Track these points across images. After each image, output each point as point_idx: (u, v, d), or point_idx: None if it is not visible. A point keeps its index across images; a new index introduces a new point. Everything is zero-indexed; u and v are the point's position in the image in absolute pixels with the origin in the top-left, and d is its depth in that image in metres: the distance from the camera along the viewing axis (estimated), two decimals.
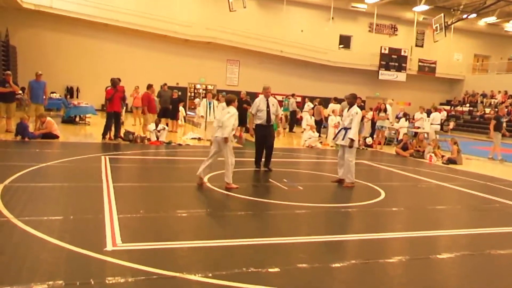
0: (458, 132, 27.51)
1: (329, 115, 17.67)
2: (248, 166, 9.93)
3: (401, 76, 31.46)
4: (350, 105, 8.70)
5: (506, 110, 27.99)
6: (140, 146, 12.39)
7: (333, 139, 13.67)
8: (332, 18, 29.96)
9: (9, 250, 4.16)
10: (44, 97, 13.48)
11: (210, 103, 14.85)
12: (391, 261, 4.63)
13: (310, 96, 23.96)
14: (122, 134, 13.14)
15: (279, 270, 4.08)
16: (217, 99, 15.32)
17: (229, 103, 7.87)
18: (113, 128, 12.94)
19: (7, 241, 4.39)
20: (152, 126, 13.26)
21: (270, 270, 4.06)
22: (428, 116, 18.22)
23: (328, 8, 29.66)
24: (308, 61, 29.19)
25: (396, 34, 32.46)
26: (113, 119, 12.78)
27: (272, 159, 9.72)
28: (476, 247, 5.37)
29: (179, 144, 13.34)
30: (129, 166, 9.82)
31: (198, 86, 29.79)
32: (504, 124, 16.10)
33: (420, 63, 32.53)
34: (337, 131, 9.71)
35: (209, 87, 28.86)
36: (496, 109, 28.89)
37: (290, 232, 5.46)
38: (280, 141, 11.57)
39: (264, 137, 9.46)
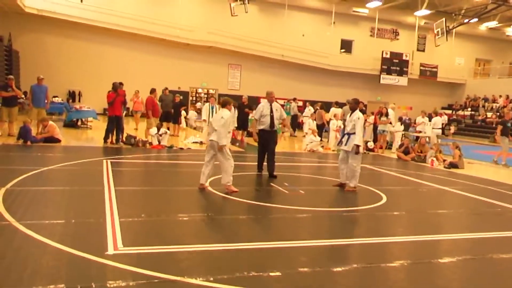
0: (459, 136, 27.47)
1: (330, 119, 17.67)
2: (249, 170, 9.93)
3: (402, 81, 31.46)
4: (352, 110, 8.70)
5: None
6: (141, 150, 12.40)
7: (338, 144, 13.70)
8: (334, 22, 30.01)
9: (10, 253, 4.17)
10: (46, 101, 13.52)
11: (212, 107, 14.89)
12: (392, 265, 4.62)
13: (311, 100, 23.95)
14: (124, 138, 13.16)
15: (280, 274, 4.08)
16: (219, 103, 15.36)
17: (224, 105, 7.87)
18: (115, 132, 12.96)
19: (8, 245, 4.40)
20: (153, 130, 13.28)
21: (271, 274, 4.06)
22: (430, 121, 18.22)
23: (329, 13, 29.72)
24: (309, 66, 29.23)
25: (397, 39, 32.48)
26: (115, 123, 12.80)
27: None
28: (478, 251, 5.36)
29: (181, 148, 13.35)
30: (131, 170, 9.83)
31: (199, 90, 29.82)
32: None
33: (421, 68, 32.54)
34: (340, 136, 9.71)
35: (211, 91, 28.90)
36: (498, 113, 28.99)
37: (292, 236, 5.45)
38: (281, 145, 11.59)
39: (266, 142, 9.39)
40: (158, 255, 4.40)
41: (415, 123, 19.11)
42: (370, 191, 8.64)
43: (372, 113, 18.02)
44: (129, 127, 17.08)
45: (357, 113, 8.55)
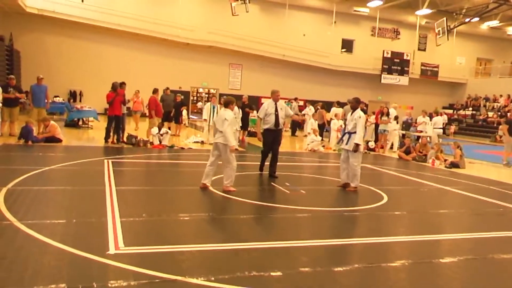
0: (460, 136, 27.47)
1: (331, 119, 17.67)
2: (250, 170, 9.93)
3: (403, 80, 31.43)
4: (353, 109, 8.69)
5: (510, 114, 27.95)
6: (142, 150, 12.41)
7: (338, 143, 13.68)
8: (335, 22, 29.99)
9: (12, 253, 4.17)
10: (46, 101, 13.52)
11: (214, 107, 14.90)
12: (393, 265, 4.62)
13: (312, 100, 23.93)
14: (125, 138, 13.18)
15: (281, 274, 4.08)
16: (220, 103, 15.36)
17: (226, 105, 7.79)
18: (115, 132, 12.98)
19: (10, 245, 4.40)
20: (155, 130, 13.29)
21: (272, 274, 4.06)
22: (430, 120, 18.20)
23: (330, 12, 29.71)
24: (310, 65, 29.22)
25: (398, 38, 32.45)
26: (114, 122, 12.82)
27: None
28: (479, 251, 5.35)
29: (182, 148, 13.35)
30: (132, 169, 9.84)
31: (200, 90, 29.85)
32: None
33: (422, 67, 32.50)
34: (340, 135, 9.69)
35: (212, 91, 28.91)
36: (499, 113, 28.95)
37: (293, 236, 5.45)
38: (282, 145, 11.51)
39: (272, 142, 9.30)
40: (159, 254, 4.41)
41: (416, 122, 19.10)
42: (371, 190, 8.63)
43: (373, 113, 18.01)
44: (130, 127, 17.09)
45: (358, 112, 8.55)
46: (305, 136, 19.63)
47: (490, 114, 29.85)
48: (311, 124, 17.17)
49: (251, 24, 27.63)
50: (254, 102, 23.81)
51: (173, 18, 26.10)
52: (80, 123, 17.61)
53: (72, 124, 17.19)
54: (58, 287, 3.48)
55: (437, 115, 18.92)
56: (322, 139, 16.41)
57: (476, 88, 33.68)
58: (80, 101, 24.74)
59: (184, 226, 5.55)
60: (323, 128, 18.45)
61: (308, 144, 15.50)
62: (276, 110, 9.21)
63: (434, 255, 5.10)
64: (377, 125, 16.98)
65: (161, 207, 6.42)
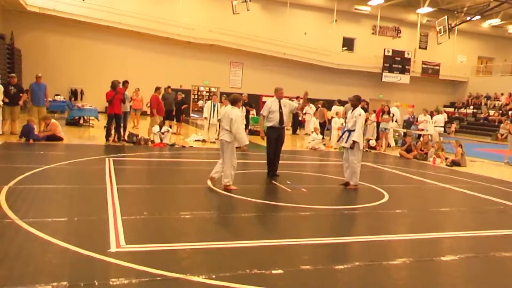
0: (462, 134, 27.45)
1: (332, 117, 17.66)
2: (251, 168, 9.94)
3: (404, 78, 31.40)
4: (354, 107, 8.69)
5: (511, 112, 27.93)
6: (143, 148, 12.42)
7: (338, 141, 13.65)
8: (336, 20, 29.99)
9: (13, 251, 4.18)
10: (45, 99, 13.50)
11: (214, 105, 14.89)
12: (395, 263, 4.62)
13: (313, 99, 23.85)
14: (126, 136, 13.19)
15: (282, 272, 4.09)
16: (221, 102, 15.35)
17: (233, 103, 7.64)
18: (115, 130, 12.99)
19: (11, 243, 4.41)
20: (156, 128, 13.30)
21: (273, 271, 4.07)
22: (431, 118, 18.19)
23: (331, 11, 29.69)
24: (311, 64, 29.20)
25: (399, 36, 32.43)
26: (115, 121, 12.82)
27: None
28: (480, 249, 5.35)
29: (183, 146, 13.36)
30: (133, 168, 9.85)
31: (201, 89, 29.85)
32: None
33: (423, 65, 32.48)
34: (341, 133, 9.67)
35: (213, 89, 28.89)
36: (500, 111, 28.91)
37: (294, 234, 5.45)
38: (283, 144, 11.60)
39: (276, 140, 9.20)
40: (161, 252, 4.41)
41: (417, 121, 19.09)
42: (372, 189, 8.63)
43: (374, 111, 18.00)
44: (130, 125, 17.09)
45: (358, 109, 8.54)
46: (306, 134, 19.62)
47: (491, 112, 29.81)
48: (313, 122, 17.15)
49: (252, 23, 27.62)
50: (255, 101, 23.82)
51: (174, 17, 26.12)
52: (81, 121, 17.62)
53: (73, 122, 17.21)
54: (60, 285, 3.49)
55: (438, 114, 18.89)
56: (323, 138, 16.41)
57: (477, 87, 33.64)
58: (81, 99, 24.77)
59: (186, 224, 5.56)
60: (324, 127, 18.44)
61: (309, 143, 15.50)
62: (280, 107, 9.12)
63: (435, 253, 5.10)
64: (378, 124, 16.96)
65: (162, 205, 6.43)
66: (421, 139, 15.21)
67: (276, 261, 4.37)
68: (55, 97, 20.40)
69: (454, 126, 28.99)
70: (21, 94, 13.16)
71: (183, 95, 18.10)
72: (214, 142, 14.64)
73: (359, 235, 5.68)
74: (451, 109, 32.89)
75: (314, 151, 14.75)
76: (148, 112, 14.84)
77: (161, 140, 13.11)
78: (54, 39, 24.66)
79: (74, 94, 25.33)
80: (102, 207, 5.81)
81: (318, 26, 30.10)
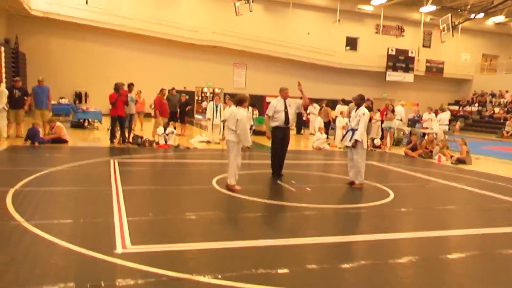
0: (467, 132, 27.33)
1: (336, 116, 17.65)
2: (255, 169, 9.94)
3: (408, 77, 31.33)
4: (358, 106, 8.68)
5: None
6: (148, 150, 12.44)
7: (341, 140, 13.62)
8: (339, 20, 29.97)
9: (20, 253, 4.20)
10: (48, 102, 13.52)
11: (217, 106, 14.91)
12: (400, 261, 4.61)
13: (317, 98, 23.83)
14: (130, 138, 13.23)
15: (288, 271, 4.09)
16: (225, 102, 15.36)
17: (239, 103, 7.61)
18: (120, 132, 13.02)
19: (18, 245, 4.44)
20: (160, 130, 13.33)
21: (279, 271, 4.07)
22: (436, 117, 18.12)
23: (334, 11, 29.67)
24: (315, 64, 29.19)
25: (403, 35, 32.36)
26: (119, 123, 12.86)
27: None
28: (486, 247, 5.33)
29: (187, 148, 13.38)
30: (138, 169, 9.87)
31: (205, 90, 29.91)
32: None
33: (427, 64, 32.40)
34: (344, 132, 9.65)
35: (216, 90, 28.94)
36: (505, 108, 28.76)
37: (299, 233, 5.45)
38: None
39: (282, 140, 9.19)
40: (166, 253, 4.42)
41: (421, 119, 19.03)
42: (377, 187, 8.61)
43: (379, 110, 17.96)
44: (138, 127, 17.15)
45: (362, 108, 8.54)
46: (311, 134, 19.61)
47: (497, 110, 29.69)
48: (318, 122, 17.13)
49: (255, 24, 27.66)
50: (259, 101, 23.84)
51: (177, 19, 26.19)
52: (86, 124, 17.69)
53: (78, 125, 17.28)
54: (67, 286, 3.51)
55: (442, 112, 18.82)
56: (327, 137, 16.39)
57: (482, 84, 33.51)
58: (86, 102, 24.87)
59: (191, 225, 5.56)
60: (328, 126, 18.43)
61: (314, 142, 15.49)
62: (286, 107, 9.11)
63: (441, 251, 5.08)
64: (382, 122, 16.93)
65: (167, 206, 6.44)
66: (426, 137, 15.16)
67: (281, 261, 4.37)
68: (60, 100, 20.51)
69: (458, 124, 28.84)
70: (25, 98, 13.21)
71: (187, 97, 18.14)
72: (218, 143, 14.66)
73: (364, 234, 5.66)
74: (456, 107, 32.77)
75: (318, 151, 14.74)
76: (152, 114, 14.87)
77: (166, 142, 13.14)
78: (58, 42, 24.78)
79: (78, 97, 25.45)
80: (107, 209, 5.83)
81: (321, 26, 30.09)
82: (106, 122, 16.54)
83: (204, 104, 30.24)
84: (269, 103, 10.51)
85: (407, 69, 31.19)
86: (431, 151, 13.98)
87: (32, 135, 11.76)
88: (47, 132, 12.68)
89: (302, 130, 21.51)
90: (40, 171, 8.10)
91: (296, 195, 7.61)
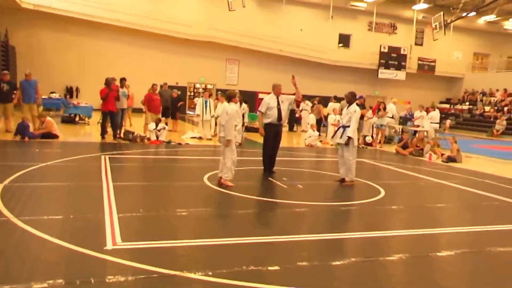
0: (458, 131, 27.51)
1: (328, 113, 17.67)
2: (247, 165, 9.93)
3: (400, 75, 31.47)
4: (349, 103, 8.70)
5: (507, 108, 28.03)
6: (139, 145, 12.39)
7: (332, 137, 13.65)
8: (332, 17, 29.97)
9: (9, 249, 4.17)
10: (36, 96, 13.35)
11: (206, 102, 14.86)
12: (391, 259, 4.64)
13: (310, 95, 23.89)
14: (121, 134, 13.15)
15: (279, 268, 4.09)
16: (217, 99, 15.31)
17: (229, 99, 7.74)
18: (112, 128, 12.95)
19: (7, 241, 4.40)
20: (152, 126, 13.27)
21: (270, 268, 4.07)
22: (427, 115, 18.22)
23: (327, 7, 29.67)
24: (307, 60, 29.18)
25: (395, 33, 32.47)
26: (109, 118, 12.77)
27: None
28: (476, 245, 5.37)
29: (179, 144, 13.34)
30: (129, 165, 9.83)
31: (197, 86, 29.80)
32: None
33: (419, 62, 32.55)
34: (336, 129, 9.67)
35: (209, 86, 28.85)
36: (496, 107, 28.98)
37: (290, 230, 5.46)
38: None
39: (274, 137, 9.18)
40: (157, 250, 4.41)
41: (413, 117, 19.13)
42: (368, 185, 8.65)
43: (371, 107, 18.02)
44: (128, 123, 17.05)
45: (354, 106, 8.56)
46: (303, 131, 19.62)
47: (487, 108, 29.90)
48: (311, 119, 17.15)
49: (248, 20, 27.58)
50: (251, 98, 23.80)
51: (170, 14, 26.05)
52: (77, 119, 17.56)
53: (68, 120, 17.14)
54: (56, 283, 3.48)
55: (434, 110, 18.92)
56: (319, 134, 16.42)
57: (473, 83, 33.74)
58: (77, 97, 24.67)
59: (182, 221, 5.55)
60: (320, 123, 18.46)
61: (305, 139, 15.51)
62: (278, 104, 9.11)
63: (431, 248, 5.11)
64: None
65: (158, 202, 6.42)
66: (417, 135, 15.25)
67: (272, 258, 4.38)
68: (51, 94, 20.30)
69: (448, 122, 29.02)
70: (14, 92, 13.03)
71: (179, 92, 18.05)
72: (210, 139, 14.63)
73: (355, 231, 5.68)
74: (447, 105, 32.96)
75: (310, 148, 14.76)
76: (143, 110, 14.80)
77: (157, 138, 13.08)
78: (49, 36, 24.53)
79: (69, 91, 25.22)
80: (98, 205, 5.79)
81: (314, 22, 30.09)
82: (96, 116, 16.45)
83: (196, 100, 30.09)
84: (261, 99, 10.49)
85: (399, 67, 31.33)
86: (422, 149, 14.07)
87: (22, 130, 11.64)
88: (37, 127, 12.57)
89: (295, 127, 21.52)
90: (30, 167, 8.03)
91: (287, 192, 7.62)
